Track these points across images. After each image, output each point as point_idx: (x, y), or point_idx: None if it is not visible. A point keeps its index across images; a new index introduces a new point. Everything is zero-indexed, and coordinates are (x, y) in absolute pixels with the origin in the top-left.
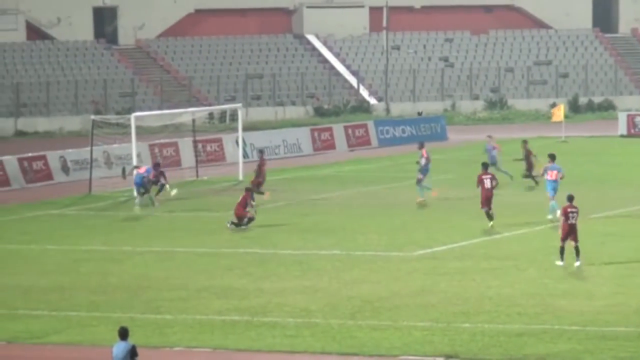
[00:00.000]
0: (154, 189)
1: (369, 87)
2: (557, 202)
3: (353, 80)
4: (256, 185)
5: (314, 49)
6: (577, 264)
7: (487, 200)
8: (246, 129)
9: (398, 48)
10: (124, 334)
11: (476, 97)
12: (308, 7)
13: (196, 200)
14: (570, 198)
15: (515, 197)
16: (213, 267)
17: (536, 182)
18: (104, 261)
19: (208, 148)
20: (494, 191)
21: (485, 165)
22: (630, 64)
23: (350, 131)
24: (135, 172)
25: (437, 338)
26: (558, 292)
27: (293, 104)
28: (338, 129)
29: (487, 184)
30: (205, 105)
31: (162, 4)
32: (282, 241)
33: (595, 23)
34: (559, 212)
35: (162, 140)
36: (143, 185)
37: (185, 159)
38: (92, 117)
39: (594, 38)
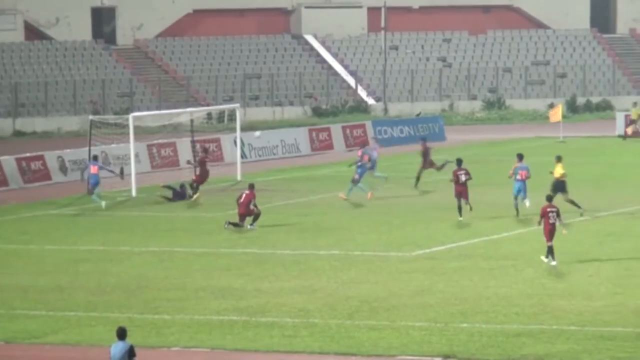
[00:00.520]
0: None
1: (367, 87)
2: (531, 201)
3: (351, 81)
4: (196, 182)
5: (312, 49)
6: (546, 259)
7: (460, 194)
8: (244, 129)
9: (396, 48)
10: (122, 334)
11: (474, 97)
12: (306, 7)
13: (194, 201)
14: (550, 198)
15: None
16: (211, 267)
17: (417, 180)
18: (102, 261)
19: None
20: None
21: (459, 161)
22: (628, 64)
23: (348, 131)
24: (89, 171)
25: (435, 338)
26: (556, 292)
27: (291, 104)
28: (336, 129)
29: (462, 178)
30: (204, 106)
31: (160, 4)
32: (280, 241)
33: (593, 23)
34: (527, 203)
35: (160, 141)
36: (94, 186)
37: (184, 159)
38: (90, 117)
39: (592, 38)
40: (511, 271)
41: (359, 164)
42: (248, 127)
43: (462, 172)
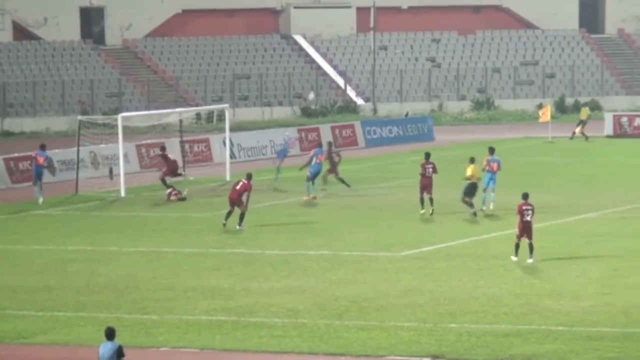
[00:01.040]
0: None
1: (356, 88)
2: (496, 195)
3: (340, 81)
4: (166, 174)
5: (301, 49)
6: (530, 260)
7: (424, 187)
8: (233, 129)
9: (385, 48)
10: (110, 334)
11: (463, 98)
12: (295, 7)
13: (183, 201)
14: (525, 196)
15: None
16: (200, 268)
17: (324, 180)
18: (90, 261)
19: (195, 148)
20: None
21: (427, 155)
22: (616, 64)
23: (337, 131)
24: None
25: (423, 338)
26: (544, 292)
27: (280, 104)
28: (325, 130)
29: (429, 172)
30: (193, 106)
31: (149, 4)
32: (269, 241)
33: (582, 24)
34: (492, 205)
35: (149, 141)
36: (39, 176)
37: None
38: (79, 117)
39: (580, 39)
40: (500, 271)
41: (314, 163)
42: (237, 128)
43: (430, 166)
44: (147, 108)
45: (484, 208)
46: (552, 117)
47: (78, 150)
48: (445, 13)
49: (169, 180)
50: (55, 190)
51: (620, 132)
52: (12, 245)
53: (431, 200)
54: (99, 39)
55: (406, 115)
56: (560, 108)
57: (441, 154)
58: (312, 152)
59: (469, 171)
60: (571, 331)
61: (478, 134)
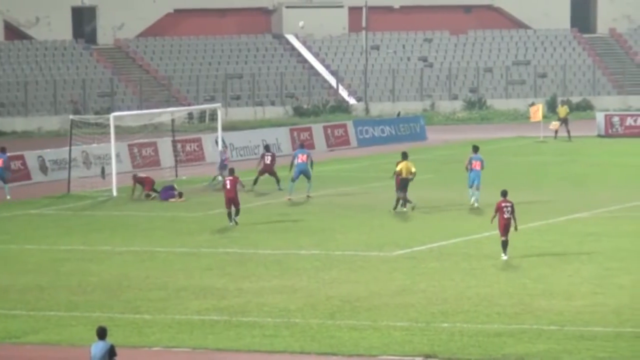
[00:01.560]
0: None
1: (348, 87)
2: (480, 192)
3: (332, 81)
4: (149, 189)
5: (293, 49)
6: (504, 257)
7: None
8: (225, 128)
9: (377, 48)
10: (102, 333)
11: (455, 97)
12: (287, 7)
13: (176, 201)
14: (504, 193)
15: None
16: (192, 267)
17: (255, 182)
18: (83, 261)
19: (187, 148)
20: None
21: (404, 155)
22: (608, 64)
23: (329, 131)
24: None
25: (416, 338)
26: (537, 292)
27: (272, 104)
28: (317, 129)
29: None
30: (185, 105)
31: (141, 4)
32: (262, 241)
33: (574, 23)
34: (476, 204)
35: (141, 140)
36: (2, 178)
37: (165, 159)
38: (71, 116)
39: (572, 38)
40: (492, 271)
41: (297, 163)
42: (229, 127)
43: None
44: (139, 107)
45: (476, 205)
46: (544, 116)
47: (70, 150)
48: (437, 13)
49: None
50: (47, 190)
51: (611, 132)
52: (4, 245)
53: (408, 201)
54: (91, 38)
55: (398, 115)
56: (552, 107)
57: (433, 153)
58: (294, 153)
59: (398, 167)
60: (563, 331)
61: (470, 134)
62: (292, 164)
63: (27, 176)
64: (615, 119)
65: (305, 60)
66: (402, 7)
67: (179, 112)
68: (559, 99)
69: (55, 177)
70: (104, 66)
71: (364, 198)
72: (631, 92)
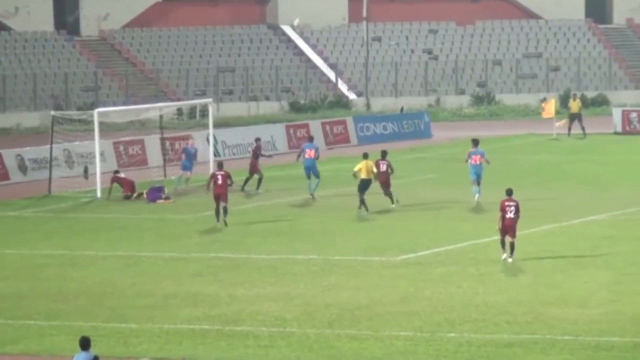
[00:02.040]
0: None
1: (348, 81)
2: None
3: (331, 74)
4: (127, 190)
5: (290, 40)
6: (509, 260)
7: (381, 184)
8: (217, 125)
9: (379, 40)
10: (85, 343)
11: (462, 92)
12: None
13: (163, 202)
14: (509, 192)
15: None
16: (181, 273)
17: (245, 182)
18: (64, 266)
19: (176, 146)
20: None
21: (383, 153)
22: (625, 56)
23: (328, 128)
24: None
25: (420, 348)
26: (550, 299)
27: (267, 99)
28: (315, 126)
29: (382, 168)
30: (174, 100)
31: None
32: (256, 245)
33: (588, 13)
34: (477, 196)
35: (127, 138)
36: None
37: (152, 158)
38: (52, 112)
39: (586, 29)
40: (501, 277)
41: (305, 158)
42: (221, 124)
43: (385, 163)
44: (125, 103)
45: (477, 199)
46: (557, 112)
47: (51, 148)
48: (442, 2)
49: (132, 195)
50: (27, 191)
51: (629, 129)
52: None
53: (393, 199)
54: (74, 29)
55: (401, 110)
56: (565, 103)
57: (438, 151)
58: (301, 147)
59: (357, 167)
60: (578, 341)
61: (478, 131)
62: (299, 155)
63: (5, 176)
64: (633, 115)
65: (302, 53)
66: None
67: (167, 108)
68: (572, 93)
69: (35, 177)
70: (88, 59)
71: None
72: None
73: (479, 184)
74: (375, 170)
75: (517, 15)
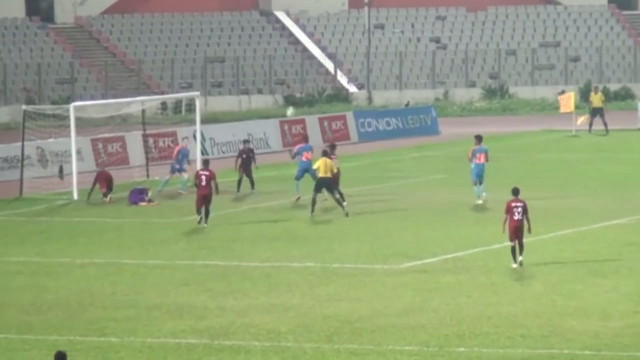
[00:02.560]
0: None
1: (348, 73)
2: (485, 188)
3: (329, 65)
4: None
5: (284, 28)
6: (520, 258)
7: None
8: (205, 121)
9: (382, 27)
10: (61, 359)
11: (472, 85)
12: None
13: (146, 205)
14: (516, 191)
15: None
16: (166, 282)
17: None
18: (38, 275)
19: (160, 143)
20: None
21: (324, 152)
22: None
23: (325, 124)
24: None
25: None
26: (568, 310)
27: (259, 92)
28: (312, 121)
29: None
30: (157, 94)
31: None
32: (247, 252)
33: None
34: (484, 194)
35: (107, 135)
36: None
37: (134, 156)
38: (24, 107)
39: (609, 15)
40: (515, 286)
41: (301, 161)
42: (209, 119)
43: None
44: (104, 97)
45: (479, 202)
46: (577, 107)
47: (23, 146)
48: None
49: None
50: None
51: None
52: None
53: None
54: (48, 16)
55: (406, 105)
56: (586, 96)
57: (446, 149)
58: (296, 148)
59: (315, 164)
60: (599, 356)
61: (490, 127)
62: (294, 156)
63: None
64: None
65: (297, 42)
66: None
67: (150, 102)
68: (593, 85)
69: (5, 178)
70: (63, 48)
71: (365, 201)
72: None
73: (481, 183)
74: (335, 169)
75: (533, 1)
